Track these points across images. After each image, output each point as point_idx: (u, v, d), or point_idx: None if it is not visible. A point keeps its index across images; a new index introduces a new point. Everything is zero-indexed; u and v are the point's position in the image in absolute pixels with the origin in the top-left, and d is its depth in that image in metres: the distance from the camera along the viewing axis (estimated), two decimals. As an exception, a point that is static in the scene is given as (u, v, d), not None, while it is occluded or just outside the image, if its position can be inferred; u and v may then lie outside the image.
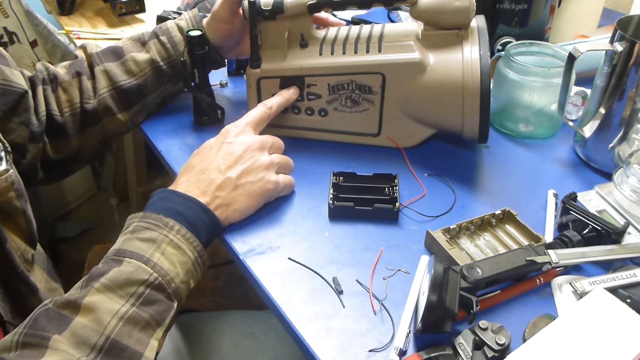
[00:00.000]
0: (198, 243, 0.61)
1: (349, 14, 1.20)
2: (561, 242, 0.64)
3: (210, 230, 0.64)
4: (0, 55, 0.73)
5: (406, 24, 0.87)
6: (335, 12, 0.99)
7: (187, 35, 0.82)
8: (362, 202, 0.70)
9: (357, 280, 0.62)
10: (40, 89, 0.79)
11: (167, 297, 0.56)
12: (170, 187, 0.66)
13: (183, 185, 0.65)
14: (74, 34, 1.23)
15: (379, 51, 0.77)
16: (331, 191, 0.71)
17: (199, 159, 0.69)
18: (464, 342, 0.54)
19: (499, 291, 0.60)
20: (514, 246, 0.66)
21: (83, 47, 0.86)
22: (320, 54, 0.78)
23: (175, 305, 0.57)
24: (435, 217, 0.71)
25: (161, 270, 0.56)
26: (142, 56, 0.83)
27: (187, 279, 0.59)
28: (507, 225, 0.69)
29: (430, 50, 0.76)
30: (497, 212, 0.68)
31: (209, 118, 0.87)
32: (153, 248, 0.57)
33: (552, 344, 0.52)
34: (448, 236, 0.65)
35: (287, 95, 0.79)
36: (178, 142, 0.84)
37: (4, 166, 0.62)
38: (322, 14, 0.85)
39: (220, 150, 0.69)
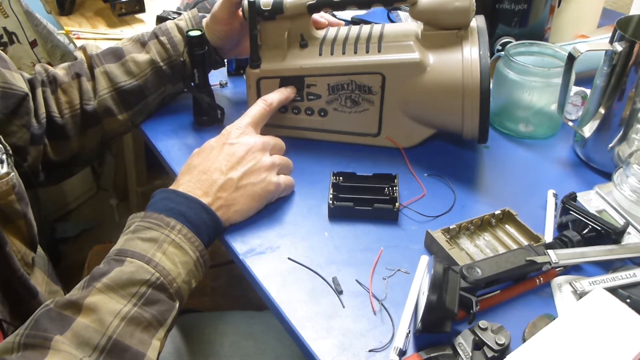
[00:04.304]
0: (200, 243, 0.61)
1: (349, 14, 1.20)
2: (561, 242, 0.64)
3: (212, 231, 0.64)
4: (1, 58, 0.73)
5: (406, 24, 0.87)
6: (335, 12, 0.99)
7: (187, 36, 0.82)
8: (362, 202, 0.70)
9: (357, 280, 0.62)
10: (39, 91, 0.79)
11: (169, 297, 0.56)
12: (172, 187, 0.66)
13: (185, 185, 0.65)
14: (74, 34, 1.23)
15: (379, 51, 0.77)
16: (331, 191, 0.71)
17: (200, 159, 0.69)
18: (463, 342, 0.54)
19: (498, 291, 0.60)
20: (514, 246, 0.66)
21: (83, 48, 0.86)
22: (320, 54, 0.78)
23: (177, 305, 0.57)
24: (435, 217, 0.71)
25: (163, 270, 0.56)
26: (142, 57, 0.83)
27: (188, 278, 0.59)
28: (507, 225, 0.69)
29: (430, 50, 0.76)
30: (497, 212, 0.69)
31: (208, 118, 0.87)
32: (155, 248, 0.58)
33: (552, 344, 0.52)
34: (448, 236, 0.65)
35: (286, 92, 0.79)
36: (178, 142, 0.84)
37: (5, 169, 0.62)
38: (321, 19, 0.85)
39: (222, 151, 0.69)
